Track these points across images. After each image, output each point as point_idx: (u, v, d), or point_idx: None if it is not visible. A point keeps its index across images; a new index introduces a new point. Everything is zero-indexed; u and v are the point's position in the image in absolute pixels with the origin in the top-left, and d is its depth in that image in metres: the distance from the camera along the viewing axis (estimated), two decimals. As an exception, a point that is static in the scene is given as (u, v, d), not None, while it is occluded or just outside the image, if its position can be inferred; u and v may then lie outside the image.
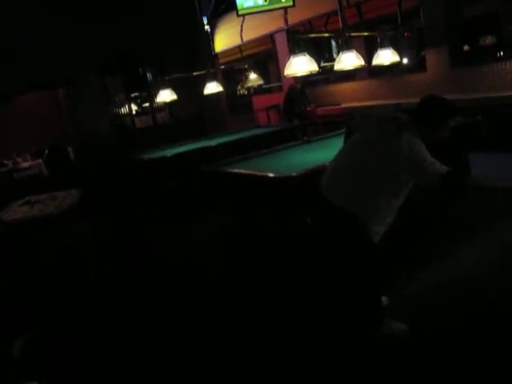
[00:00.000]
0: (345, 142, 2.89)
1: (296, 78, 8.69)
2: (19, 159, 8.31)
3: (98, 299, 3.83)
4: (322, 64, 10.35)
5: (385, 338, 2.65)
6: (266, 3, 8.62)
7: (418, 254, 3.67)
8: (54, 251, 3.83)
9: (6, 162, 8.14)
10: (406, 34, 8.11)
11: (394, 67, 7.78)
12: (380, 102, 8.41)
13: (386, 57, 5.61)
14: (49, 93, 10.28)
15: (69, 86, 9.36)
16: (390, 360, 2.54)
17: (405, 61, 8.60)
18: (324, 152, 4.49)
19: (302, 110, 8.91)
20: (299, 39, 4.59)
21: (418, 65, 8.69)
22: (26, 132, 9.53)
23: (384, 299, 2.85)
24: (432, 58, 7.85)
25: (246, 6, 8.71)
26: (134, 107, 10.53)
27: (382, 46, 5.59)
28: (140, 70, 10.21)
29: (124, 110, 10.26)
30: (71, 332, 3.38)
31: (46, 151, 8.68)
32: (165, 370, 2.82)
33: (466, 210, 4.44)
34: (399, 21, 8.17)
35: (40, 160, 8.45)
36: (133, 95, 10.56)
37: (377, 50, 5.69)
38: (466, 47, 8.39)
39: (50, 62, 8.59)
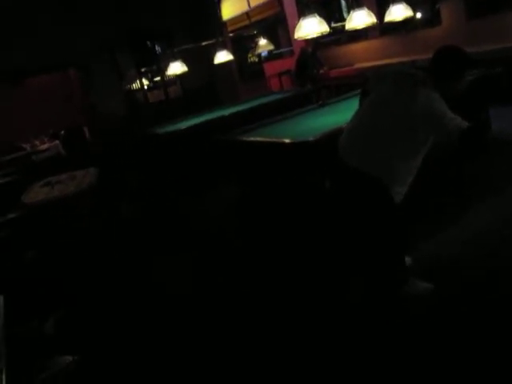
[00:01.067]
0: (360, 103, 2.83)
1: (307, 41, 8.51)
2: (37, 142, 8.39)
3: (120, 275, 3.90)
4: (333, 25, 10.08)
5: (409, 297, 2.65)
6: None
7: (438, 212, 3.63)
8: (75, 230, 3.89)
9: (24, 145, 8.23)
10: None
11: (407, 23, 7.53)
12: (394, 60, 8.18)
13: (398, 12, 5.42)
14: (61, 74, 10.28)
15: (80, 66, 9.34)
16: (415, 319, 2.55)
17: (418, 15, 8.31)
18: (339, 115, 4.42)
19: (315, 73, 8.75)
20: (308, 0, 4.47)
21: (433, 19, 8.40)
22: (41, 115, 9.58)
23: (407, 259, 2.84)
24: (447, 10, 7.58)
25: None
26: (145, 82, 10.48)
27: (394, 1, 5.40)
28: (149, 43, 10.11)
29: (136, 85, 10.22)
30: (99, 308, 3.46)
31: (63, 132, 8.74)
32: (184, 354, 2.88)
33: (486, 165, 4.35)
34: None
35: (57, 141, 8.52)
36: (143, 70, 10.49)
37: (389, 6, 5.50)
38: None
39: (59, 42, 8.56)
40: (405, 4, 5.39)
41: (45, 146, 8.32)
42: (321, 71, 8.89)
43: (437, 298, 2.64)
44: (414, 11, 6.40)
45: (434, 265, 2.98)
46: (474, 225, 3.39)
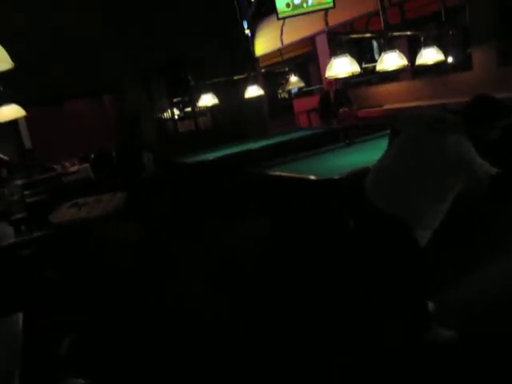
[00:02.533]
0: (389, 144, 2.83)
1: (330, 81, 8.63)
2: (67, 164, 8.59)
3: (140, 300, 3.91)
4: (364, 65, 10.21)
5: (432, 344, 2.57)
6: (306, 5, 8.58)
7: (466, 258, 3.54)
8: (100, 252, 3.94)
9: (55, 166, 8.44)
10: (450, 31, 7.88)
11: (438, 66, 7.57)
12: (424, 103, 8.20)
13: (429, 56, 5.47)
14: (96, 100, 10.62)
15: (115, 92, 9.65)
16: (437, 367, 2.47)
17: (450, 59, 8.36)
18: (366, 154, 4.42)
19: (338, 112, 8.88)
20: (340, 40, 4.55)
21: (464, 63, 8.43)
22: (74, 138, 9.86)
23: (431, 305, 2.76)
24: (478, 55, 7.60)
25: (285, 9, 8.70)
26: (176, 112, 10.71)
27: (426, 44, 5.46)
28: (182, 74, 10.38)
29: (167, 114, 10.46)
30: (115, 331, 3.46)
31: (92, 156, 8.95)
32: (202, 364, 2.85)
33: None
34: (443, 18, 7.96)
35: (87, 164, 8.71)
36: (175, 100, 10.74)
37: (420, 50, 5.56)
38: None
39: (97, 70, 8.88)
40: (436, 48, 5.45)
41: (75, 169, 8.51)
42: (345, 109, 8.98)
43: (460, 346, 2.56)
44: (446, 55, 6.45)
45: (458, 312, 2.89)
46: (503, 272, 3.29)
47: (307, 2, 8.52)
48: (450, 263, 3.36)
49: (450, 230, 2.76)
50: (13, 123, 7.54)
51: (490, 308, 2.90)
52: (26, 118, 7.01)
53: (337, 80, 8.46)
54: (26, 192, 5.45)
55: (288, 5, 8.66)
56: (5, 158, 7.11)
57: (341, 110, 9.01)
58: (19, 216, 3.95)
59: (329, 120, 8.81)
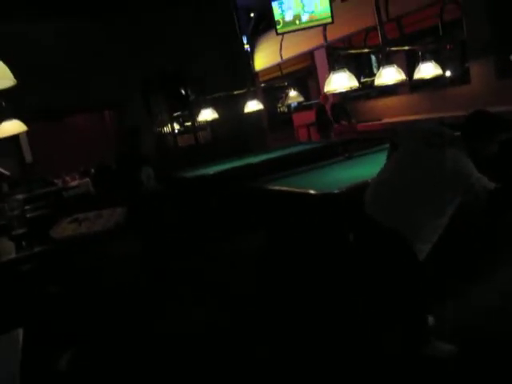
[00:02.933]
0: (388, 158, 2.85)
1: (332, 94, 8.74)
2: (68, 178, 8.61)
3: (140, 315, 3.90)
4: (362, 79, 10.31)
5: (430, 358, 2.56)
6: (305, 21, 8.68)
7: (465, 272, 3.54)
8: (100, 268, 3.94)
9: (56, 180, 8.46)
10: (448, 46, 7.96)
11: (436, 80, 7.64)
12: (422, 117, 8.26)
13: (427, 70, 5.53)
14: (96, 114, 10.69)
15: (115, 107, 9.71)
16: (436, 381, 2.46)
17: (448, 74, 8.43)
18: (366, 168, 4.44)
19: (331, 126, 9.06)
20: (339, 55, 4.61)
21: (462, 77, 8.50)
22: (74, 152, 9.91)
23: (430, 319, 2.76)
24: (476, 69, 7.67)
25: (284, 24, 8.80)
26: (176, 126, 10.76)
27: (424, 59, 5.51)
28: (182, 89, 10.45)
29: (167, 129, 10.51)
30: (115, 347, 3.45)
31: (93, 170, 8.97)
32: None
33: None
34: (441, 32, 8.05)
35: (87, 179, 8.73)
36: (175, 114, 10.80)
37: (418, 64, 5.61)
38: (512, 57, 8.14)
39: (97, 84, 8.95)
40: (434, 62, 5.50)
41: (75, 183, 8.53)
42: (344, 123, 9.10)
43: (460, 361, 2.55)
44: (443, 69, 6.51)
45: (458, 325, 2.89)
46: (503, 285, 3.29)
47: (306, 18, 8.62)
48: (448, 277, 3.36)
49: (448, 243, 2.77)
50: (14, 138, 7.58)
51: (490, 321, 2.90)
52: (26, 132, 7.07)
53: (334, 94, 8.55)
54: (27, 207, 5.46)
55: (291, 19, 8.75)
56: (6, 172, 7.13)
57: (338, 123, 9.11)
58: (20, 231, 3.95)
59: (326, 133, 8.90)
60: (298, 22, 8.65)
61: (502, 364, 2.50)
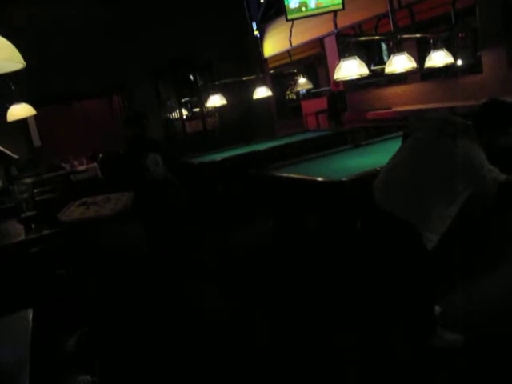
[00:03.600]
0: (401, 146, 2.82)
1: (336, 83, 8.70)
2: (76, 162, 8.65)
3: (147, 298, 3.94)
4: (373, 67, 10.21)
5: (437, 348, 2.56)
6: (315, 7, 8.60)
7: (473, 264, 3.53)
8: (108, 250, 3.97)
9: (64, 165, 8.50)
10: (460, 34, 7.85)
11: (447, 69, 7.55)
12: (433, 106, 8.18)
13: (439, 58, 5.46)
14: (106, 99, 10.68)
15: (123, 92, 9.71)
16: (443, 371, 2.47)
17: (459, 62, 8.32)
18: (374, 156, 4.42)
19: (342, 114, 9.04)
20: (349, 42, 4.55)
21: (474, 66, 8.39)
22: (82, 137, 9.94)
23: (437, 308, 2.76)
24: (488, 58, 7.56)
25: (294, 10, 8.72)
26: (184, 112, 10.74)
27: (435, 47, 5.45)
28: (191, 75, 10.42)
29: (175, 114, 10.49)
30: (122, 328, 3.49)
31: (100, 156, 9.00)
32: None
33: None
34: (453, 20, 7.94)
35: (95, 163, 8.76)
36: (183, 100, 10.78)
37: (429, 52, 5.55)
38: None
39: (106, 69, 8.94)
40: (445, 51, 5.43)
41: (83, 167, 8.57)
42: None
43: (466, 350, 2.55)
44: (455, 58, 6.43)
45: (464, 315, 2.89)
46: (507, 279, 3.28)
47: (316, 4, 8.53)
48: (457, 267, 3.35)
49: (457, 234, 2.76)
50: (22, 121, 7.59)
51: (496, 312, 2.90)
52: (35, 116, 7.08)
53: (338, 83, 8.50)
54: (36, 190, 5.49)
55: (297, 6, 8.67)
56: (14, 156, 7.16)
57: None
58: (29, 214, 3.99)
59: (337, 121, 8.86)
60: (304, 8, 8.57)
61: (507, 352, 2.50)
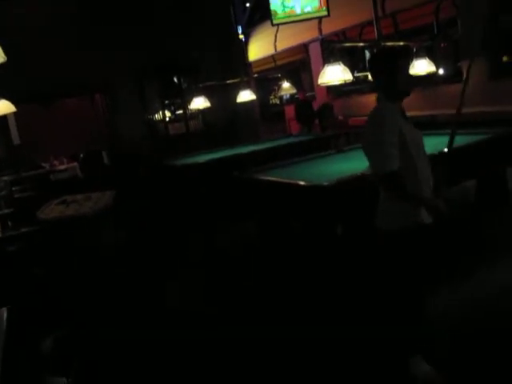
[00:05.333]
0: None
1: (327, 88, 8.81)
2: (56, 162, 8.54)
3: (124, 298, 3.90)
4: (356, 74, 10.31)
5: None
6: (301, 13, 8.65)
7: (462, 264, 3.58)
8: (86, 250, 3.92)
9: (43, 164, 8.39)
10: (442, 44, 7.98)
11: (429, 78, 7.66)
12: (414, 114, 8.26)
13: (421, 67, 5.55)
14: (87, 98, 10.57)
15: (107, 92, 9.62)
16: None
17: (441, 71, 8.46)
18: (356, 162, 4.45)
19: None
20: (334, 48, 4.60)
21: (454, 76, 8.53)
22: (63, 136, 9.81)
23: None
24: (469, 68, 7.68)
25: (280, 15, 8.76)
26: (167, 114, 10.69)
27: (418, 56, 5.53)
28: (175, 76, 10.38)
29: (158, 116, 10.43)
30: (98, 329, 3.44)
31: (81, 155, 8.92)
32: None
33: (505, 226, 4.28)
34: (435, 31, 8.07)
35: (76, 163, 8.67)
36: (167, 102, 10.72)
37: (412, 60, 5.63)
38: (505, 58, 8.17)
39: (88, 68, 8.85)
40: (428, 59, 5.52)
41: (63, 167, 8.47)
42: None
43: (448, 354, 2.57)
44: (437, 67, 6.53)
45: (447, 320, 2.91)
46: (489, 282, 3.33)
47: (302, 10, 8.59)
48: (445, 268, 3.38)
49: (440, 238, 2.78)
50: (2, 118, 7.47)
51: (486, 313, 2.92)
52: (14, 113, 6.96)
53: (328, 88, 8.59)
54: (14, 188, 5.40)
55: (283, 11, 8.71)
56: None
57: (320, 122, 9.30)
58: (6, 211, 3.92)
59: (309, 127, 9.10)
60: (289, 14, 8.62)
61: (496, 356, 2.53)
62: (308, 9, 8.52)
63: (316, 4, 8.37)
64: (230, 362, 2.91)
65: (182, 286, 4.20)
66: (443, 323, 2.83)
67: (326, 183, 3.48)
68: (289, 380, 2.66)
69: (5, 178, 5.99)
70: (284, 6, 8.67)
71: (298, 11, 8.62)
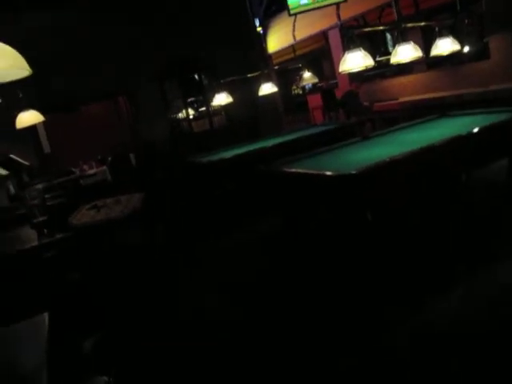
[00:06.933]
0: None
1: (349, 75, 8.70)
2: (85, 166, 8.71)
3: (158, 298, 3.96)
4: (378, 58, 10.15)
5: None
6: (318, 0, 8.56)
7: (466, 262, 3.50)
8: (118, 252, 3.99)
9: (73, 169, 8.57)
10: (466, 21, 7.76)
11: (453, 57, 7.46)
12: (440, 94, 8.10)
13: (445, 46, 5.39)
14: (111, 102, 10.74)
15: (129, 94, 9.75)
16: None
17: (466, 49, 8.22)
18: (382, 148, 4.39)
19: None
20: (353, 34, 4.51)
21: (481, 52, 8.29)
22: (91, 140, 10.01)
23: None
24: (496, 44, 7.47)
25: (297, 4, 8.69)
26: (191, 112, 10.76)
27: (441, 35, 5.38)
28: (196, 74, 10.42)
29: (182, 114, 10.51)
30: (136, 330, 3.51)
31: (110, 159, 9.06)
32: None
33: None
34: (458, 7, 7.84)
35: (104, 167, 8.83)
36: (189, 100, 10.78)
37: (435, 40, 5.48)
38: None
39: (111, 72, 8.98)
40: (451, 38, 5.37)
41: (92, 171, 8.64)
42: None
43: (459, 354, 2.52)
44: (462, 45, 6.34)
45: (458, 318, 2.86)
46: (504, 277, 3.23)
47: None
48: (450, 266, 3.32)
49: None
50: (31, 128, 7.66)
51: (489, 313, 2.83)
52: (43, 123, 7.14)
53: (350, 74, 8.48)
54: (47, 195, 5.54)
55: (300, 0, 8.64)
56: (25, 162, 7.23)
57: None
58: (41, 219, 4.02)
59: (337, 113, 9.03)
60: (306, 2, 8.54)
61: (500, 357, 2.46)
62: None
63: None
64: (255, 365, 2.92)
65: (204, 285, 4.24)
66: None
67: (354, 171, 3.44)
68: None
69: (38, 186, 6.15)
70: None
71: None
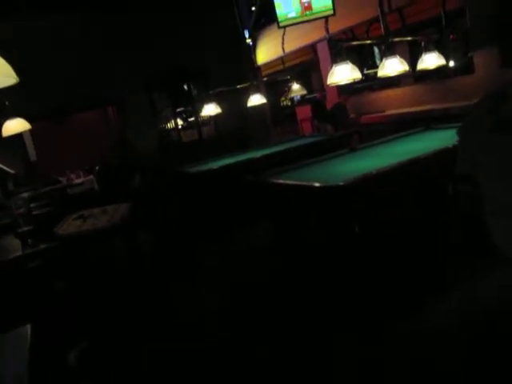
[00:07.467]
0: None
1: (338, 87, 8.77)
2: (73, 175, 8.64)
3: (144, 308, 3.92)
4: (365, 71, 10.26)
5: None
6: (307, 13, 8.64)
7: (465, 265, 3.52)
8: (104, 263, 3.95)
9: (60, 178, 8.49)
10: (451, 35, 7.90)
11: (439, 71, 7.58)
12: (427, 108, 8.20)
13: (431, 61, 5.48)
14: (99, 111, 10.71)
15: (118, 104, 9.72)
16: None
17: (451, 64, 8.36)
18: (370, 160, 4.43)
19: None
20: (341, 47, 4.57)
21: (466, 67, 8.42)
22: (78, 150, 9.95)
23: None
24: (480, 59, 7.59)
25: (286, 17, 8.77)
26: (179, 122, 10.76)
27: (427, 49, 5.47)
28: (185, 85, 10.44)
29: (170, 124, 10.51)
30: (123, 340, 3.46)
31: (97, 168, 9.01)
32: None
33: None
34: (444, 22, 7.98)
35: (92, 176, 8.76)
36: (178, 110, 10.79)
37: (421, 55, 5.57)
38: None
39: (99, 81, 8.96)
40: (437, 52, 5.46)
41: (79, 180, 8.57)
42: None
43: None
44: (447, 59, 6.45)
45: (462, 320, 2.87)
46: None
47: (308, 10, 8.58)
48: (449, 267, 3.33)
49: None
50: (18, 136, 7.59)
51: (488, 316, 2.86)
52: (30, 131, 7.08)
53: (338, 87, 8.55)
54: (32, 204, 5.48)
55: (289, 13, 8.72)
56: (11, 171, 7.16)
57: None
58: (25, 229, 3.98)
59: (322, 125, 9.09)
60: (305, 13, 8.62)
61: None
62: (314, 9, 8.51)
63: (321, 4, 8.37)
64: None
65: (198, 292, 4.22)
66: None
67: (342, 183, 3.46)
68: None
69: (24, 195, 6.08)
70: (290, 8, 8.67)
71: (304, 12, 8.62)
